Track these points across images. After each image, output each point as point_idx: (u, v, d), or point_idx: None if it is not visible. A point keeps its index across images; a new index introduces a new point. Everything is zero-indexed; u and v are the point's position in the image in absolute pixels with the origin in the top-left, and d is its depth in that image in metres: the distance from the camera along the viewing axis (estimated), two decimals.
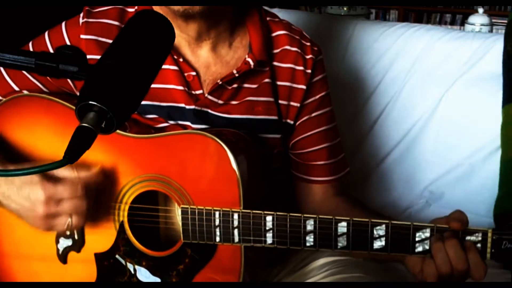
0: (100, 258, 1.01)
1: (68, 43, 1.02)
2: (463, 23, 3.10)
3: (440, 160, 1.49)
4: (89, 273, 1.02)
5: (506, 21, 1.49)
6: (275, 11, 1.70)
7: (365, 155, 1.54)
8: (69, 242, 1.02)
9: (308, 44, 1.09)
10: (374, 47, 1.56)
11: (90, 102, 0.54)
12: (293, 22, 1.14)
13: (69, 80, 1.04)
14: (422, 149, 1.51)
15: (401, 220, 1.47)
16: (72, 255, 1.02)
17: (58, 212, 0.91)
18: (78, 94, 0.66)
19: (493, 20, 2.11)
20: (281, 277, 1.12)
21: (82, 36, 1.02)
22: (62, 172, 0.93)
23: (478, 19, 2.01)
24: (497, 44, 1.45)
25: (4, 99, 1.03)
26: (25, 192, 0.91)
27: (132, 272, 1.00)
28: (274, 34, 1.08)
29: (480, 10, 2.01)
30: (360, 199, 1.36)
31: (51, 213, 0.91)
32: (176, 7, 0.93)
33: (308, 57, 1.08)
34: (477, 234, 0.85)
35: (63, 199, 0.91)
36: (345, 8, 2.27)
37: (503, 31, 1.45)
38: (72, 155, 0.53)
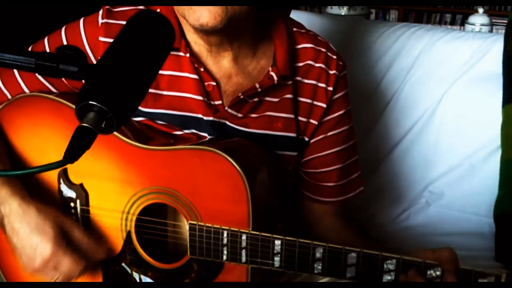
0: (106, 265, 1.01)
1: (85, 43, 1.00)
2: (463, 23, 3.09)
3: (440, 160, 1.49)
4: (95, 279, 1.02)
5: (506, 21, 1.49)
6: None
7: (365, 156, 1.53)
8: None
9: (334, 57, 1.05)
10: (374, 47, 1.56)
11: (90, 102, 0.54)
12: None
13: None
14: (422, 149, 1.51)
15: (401, 220, 1.49)
16: None
17: (51, 272, 0.93)
18: None
19: (493, 20, 2.11)
20: (283, 280, 1.12)
21: (101, 39, 0.99)
22: (77, 235, 0.95)
23: (478, 19, 2.00)
24: (497, 44, 1.45)
25: (11, 99, 1.03)
26: (34, 240, 0.92)
27: (138, 281, 1.00)
28: (299, 47, 1.04)
29: (480, 10, 2.01)
30: (360, 199, 1.36)
31: (45, 271, 0.93)
32: (191, 22, 0.90)
33: (331, 72, 1.04)
34: (490, 278, 0.84)
35: (63, 266, 0.92)
36: (345, 8, 2.27)
37: (503, 31, 1.45)
38: (72, 155, 0.52)
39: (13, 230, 0.93)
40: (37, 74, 1.03)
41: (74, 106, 1.00)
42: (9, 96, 1.05)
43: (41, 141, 1.01)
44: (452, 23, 4.61)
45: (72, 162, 0.53)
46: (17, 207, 0.93)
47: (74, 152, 0.53)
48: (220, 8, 0.88)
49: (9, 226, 0.94)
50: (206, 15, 0.88)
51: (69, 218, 0.97)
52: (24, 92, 1.04)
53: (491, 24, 2.01)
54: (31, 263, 0.93)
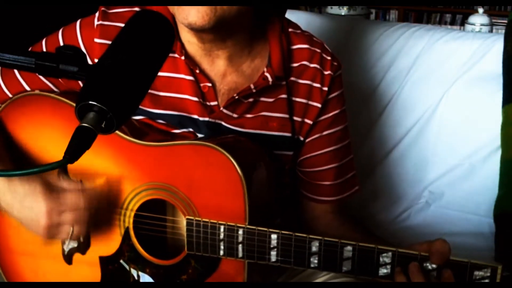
0: (104, 261, 1.01)
1: (81, 44, 1.00)
2: (463, 23, 3.09)
3: (440, 160, 1.49)
4: (94, 276, 1.02)
5: (506, 21, 1.49)
6: None
7: (364, 156, 1.54)
8: (74, 244, 1.02)
9: (329, 58, 1.06)
10: (374, 47, 1.56)
11: (90, 102, 0.54)
12: None
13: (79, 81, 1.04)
14: (422, 149, 1.51)
15: (401, 220, 1.49)
16: (77, 256, 1.02)
17: (60, 223, 0.92)
18: None
19: (493, 20, 2.11)
20: (282, 280, 1.12)
21: (97, 40, 0.99)
22: (66, 183, 0.94)
23: (478, 19, 2.01)
24: (497, 44, 1.44)
25: (12, 98, 1.03)
26: (28, 203, 0.91)
27: (136, 278, 1.00)
28: (294, 47, 1.04)
29: (480, 10, 2.01)
30: (360, 199, 1.36)
31: (53, 224, 0.91)
32: (180, 20, 0.90)
33: (326, 73, 1.05)
34: (485, 270, 0.84)
35: (66, 210, 0.91)
36: (345, 8, 2.27)
37: (503, 31, 1.45)
38: (72, 155, 0.52)
39: (8, 204, 0.94)
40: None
41: (75, 105, 1.00)
42: (10, 95, 1.05)
43: (42, 140, 1.01)
44: (452, 23, 4.62)
45: (72, 162, 0.52)
46: (1, 182, 0.93)
47: (74, 152, 0.52)
48: (208, 7, 0.88)
49: (3, 203, 0.94)
50: (194, 14, 0.88)
51: (50, 173, 0.96)
52: (26, 91, 1.04)
53: (491, 24, 2.02)
54: (38, 224, 0.92)
